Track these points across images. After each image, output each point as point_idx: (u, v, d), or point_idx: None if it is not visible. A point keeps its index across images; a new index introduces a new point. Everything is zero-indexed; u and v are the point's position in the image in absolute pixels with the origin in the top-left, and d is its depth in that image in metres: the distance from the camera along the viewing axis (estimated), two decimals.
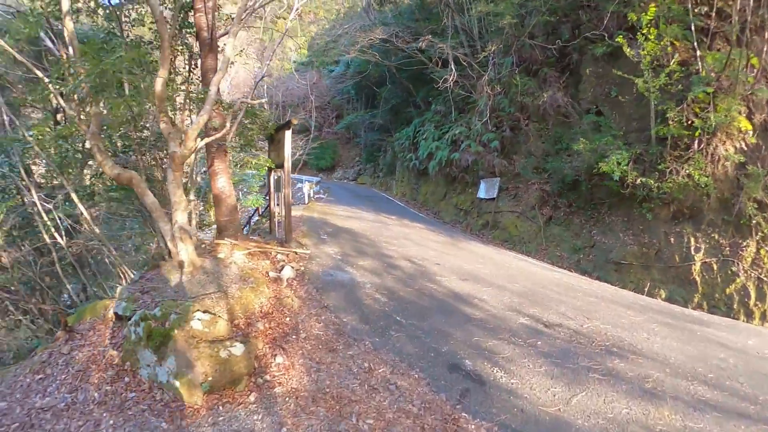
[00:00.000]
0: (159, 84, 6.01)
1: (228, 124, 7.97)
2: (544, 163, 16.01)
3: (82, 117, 6.89)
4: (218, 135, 7.47)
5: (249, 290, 6.73)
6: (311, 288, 7.92)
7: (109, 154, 8.28)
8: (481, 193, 17.42)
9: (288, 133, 9.87)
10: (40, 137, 8.76)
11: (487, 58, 17.64)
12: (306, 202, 23.34)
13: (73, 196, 9.08)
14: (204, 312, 5.44)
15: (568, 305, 7.94)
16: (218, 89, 6.99)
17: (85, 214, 9.28)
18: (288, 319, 6.56)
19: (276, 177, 11.30)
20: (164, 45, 6.02)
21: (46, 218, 9.55)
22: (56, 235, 9.62)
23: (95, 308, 6.35)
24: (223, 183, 8.87)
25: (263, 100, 13.28)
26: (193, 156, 8.94)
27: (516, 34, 16.92)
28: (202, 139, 7.14)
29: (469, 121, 18.55)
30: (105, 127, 8.00)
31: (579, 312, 7.59)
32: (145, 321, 5.19)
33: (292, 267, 8.59)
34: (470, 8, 18.58)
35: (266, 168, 12.30)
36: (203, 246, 8.23)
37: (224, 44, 7.68)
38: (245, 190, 18.43)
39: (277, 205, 11.59)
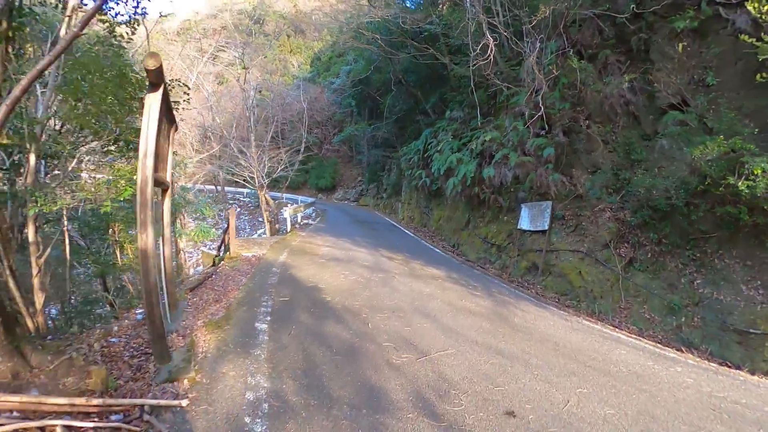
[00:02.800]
0: None
1: None
2: (617, 181, 10.42)
3: None
4: None
5: None
6: None
7: None
8: (524, 223, 11.74)
9: (154, 105, 4.43)
10: None
11: (527, 38, 12.20)
12: (288, 229, 17.78)
13: None
14: None
15: None
16: None
17: None
18: None
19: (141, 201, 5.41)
20: None
21: None
22: None
23: None
24: None
25: None
26: None
27: (566, 7, 11.54)
28: None
29: (500, 125, 13.02)
30: None
31: None
32: None
33: None
34: None
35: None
36: None
37: None
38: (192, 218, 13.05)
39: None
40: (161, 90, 4.67)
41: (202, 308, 6.60)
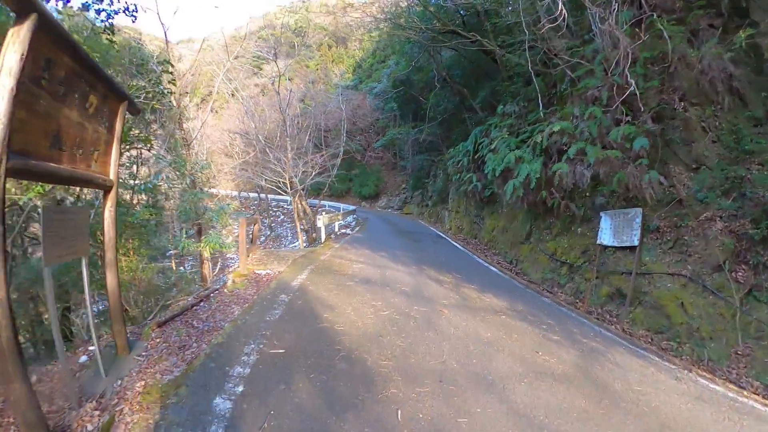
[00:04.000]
0: None
1: None
2: (725, 180, 7.55)
3: None
4: None
5: None
6: None
7: None
8: (605, 237, 8.95)
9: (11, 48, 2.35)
10: None
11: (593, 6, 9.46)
12: (321, 240, 15.72)
13: None
14: None
15: None
16: None
17: None
18: None
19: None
20: None
21: None
22: None
23: None
24: None
25: None
26: None
27: None
28: None
29: (567, 114, 10.30)
30: None
31: None
32: None
33: None
34: None
35: None
36: None
37: None
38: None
39: None
40: (32, 22, 2.62)
41: (157, 358, 4.53)
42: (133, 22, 9.73)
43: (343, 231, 18.50)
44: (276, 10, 57.22)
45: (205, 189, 12.46)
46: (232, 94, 28.52)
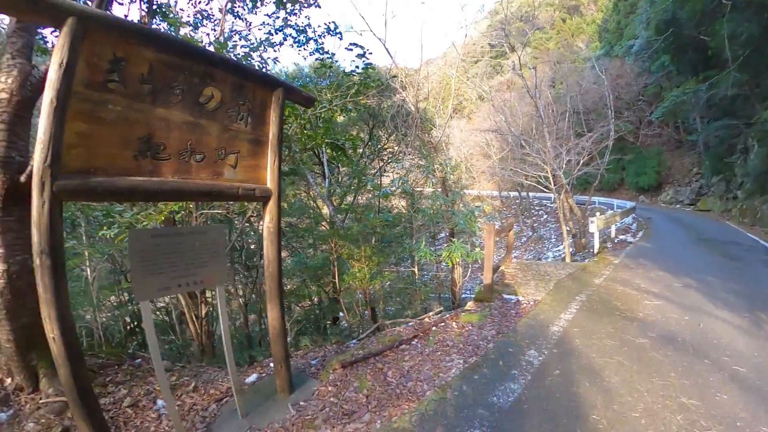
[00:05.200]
0: None
1: None
2: None
3: None
4: None
5: None
6: None
7: None
8: None
9: None
10: None
11: None
12: (594, 250, 12.39)
13: None
14: None
15: None
16: None
17: None
18: None
19: None
20: None
21: None
22: None
23: None
24: None
25: None
26: None
27: None
28: None
29: None
30: None
31: None
32: None
33: None
34: None
35: None
36: None
37: None
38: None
39: None
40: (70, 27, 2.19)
41: (310, 419, 3.26)
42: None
43: (621, 237, 14.36)
44: (495, 7, 54.14)
45: (457, 190, 11.44)
46: (479, 98, 27.68)
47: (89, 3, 3.96)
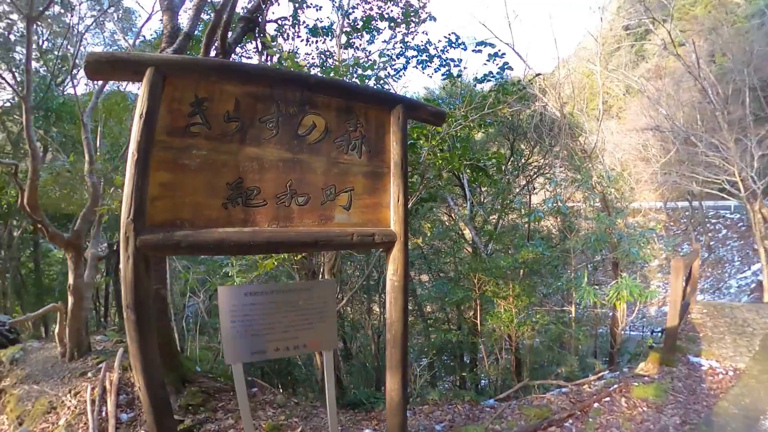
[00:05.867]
0: None
1: None
2: None
3: None
4: None
5: None
6: None
7: None
8: None
9: None
10: None
11: None
12: None
13: None
14: None
15: None
16: None
17: None
18: None
19: None
20: None
21: None
22: None
23: None
24: None
25: None
26: None
27: None
28: None
29: None
30: None
31: None
32: None
33: None
34: None
35: None
36: None
37: None
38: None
39: None
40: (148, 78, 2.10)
41: None
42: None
43: None
44: None
45: (621, 207, 9.32)
46: (627, 92, 23.94)
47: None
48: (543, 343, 8.09)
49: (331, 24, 7.63)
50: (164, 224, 2.03)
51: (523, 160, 13.16)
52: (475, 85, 8.04)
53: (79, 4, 13.08)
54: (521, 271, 7.94)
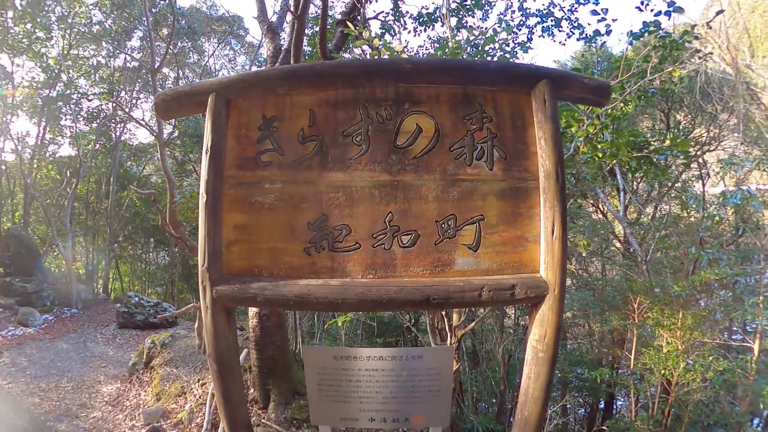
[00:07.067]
0: None
1: None
2: None
3: None
4: None
5: None
6: None
7: None
8: None
9: None
10: None
11: None
12: None
13: None
14: None
15: None
16: None
17: None
18: None
19: None
20: None
21: None
22: None
23: None
24: None
25: None
26: None
27: None
28: None
29: None
30: None
31: None
32: None
33: None
34: None
35: None
36: None
37: None
38: None
39: None
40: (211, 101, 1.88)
41: None
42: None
43: None
44: None
45: None
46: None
47: None
48: (709, 389, 5.19)
49: (437, 8, 6.94)
50: (241, 273, 1.76)
51: (681, 136, 10.52)
52: (630, 43, 6.02)
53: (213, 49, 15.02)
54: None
